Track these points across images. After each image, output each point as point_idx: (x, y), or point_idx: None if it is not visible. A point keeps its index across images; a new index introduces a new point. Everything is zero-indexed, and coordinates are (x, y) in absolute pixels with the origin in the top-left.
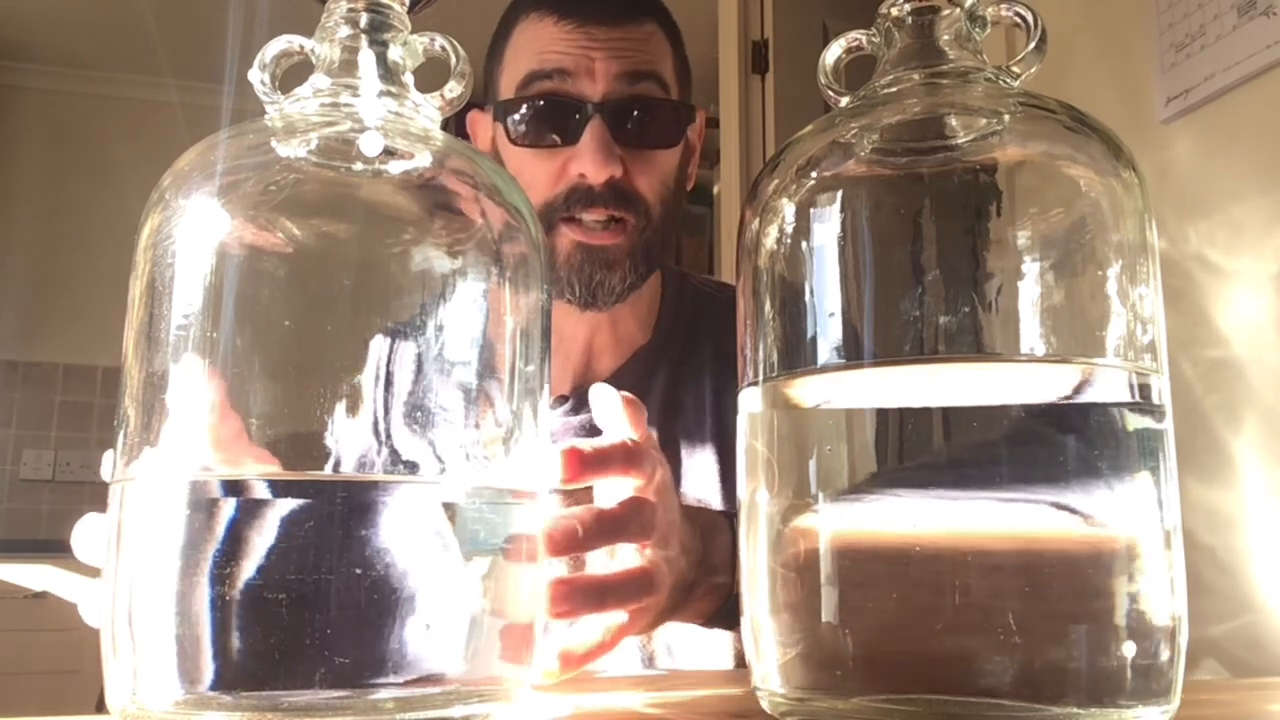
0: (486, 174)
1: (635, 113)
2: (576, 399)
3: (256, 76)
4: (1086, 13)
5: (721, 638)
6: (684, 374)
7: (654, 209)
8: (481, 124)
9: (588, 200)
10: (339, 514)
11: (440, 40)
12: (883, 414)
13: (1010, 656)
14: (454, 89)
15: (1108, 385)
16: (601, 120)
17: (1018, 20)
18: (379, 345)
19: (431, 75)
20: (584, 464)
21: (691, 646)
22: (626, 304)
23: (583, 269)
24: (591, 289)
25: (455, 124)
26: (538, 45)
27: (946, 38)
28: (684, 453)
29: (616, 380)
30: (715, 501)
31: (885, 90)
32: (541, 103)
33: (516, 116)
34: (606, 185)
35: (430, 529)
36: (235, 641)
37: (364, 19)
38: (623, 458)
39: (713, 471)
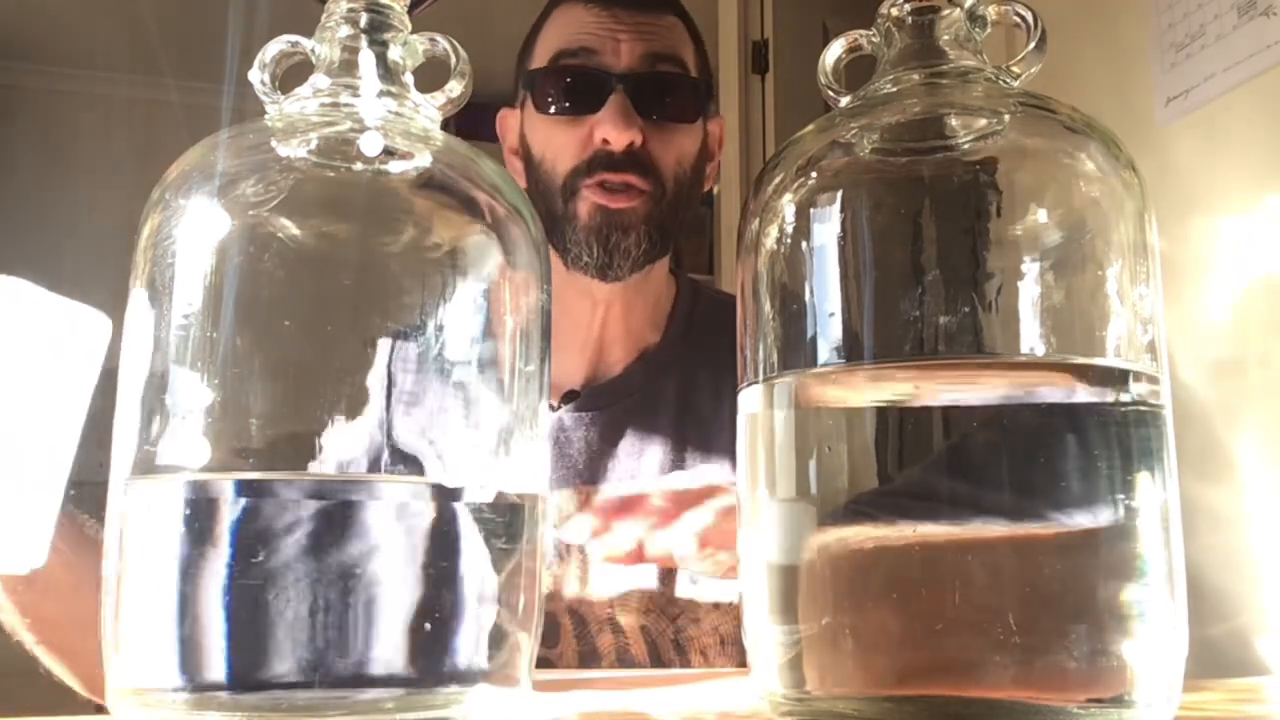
0: (487, 174)
1: (655, 87)
2: (586, 395)
3: (256, 76)
4: (1086, 13)
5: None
6: (698, 378)
7: (668, 183)
8: (510, 120)
9: (609, 165)
10: (339, 513)
11: (440, 40)
12: (883, 414)
13: (1010, 656)
14: (454, 89)
15: (1107, 385)
16: (624, 91)
17: (1018, 20)
18: (379, 345)
19: (432, 75)
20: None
21: (701, 649)
22: (639, 290)
23: (601, 230)
24: (609, 250)
25: (467, 124)
26: (567, 28)
27: (946, 38)
28: (697, 457)
29: (626, 379)
30: None
31: (885, 90)
32: (569, 73)
33: (545, 85)
34: (627, 151)
35: (430, 529)
36: (235, 641)
37: (364, 19)
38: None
39: (727, 477)
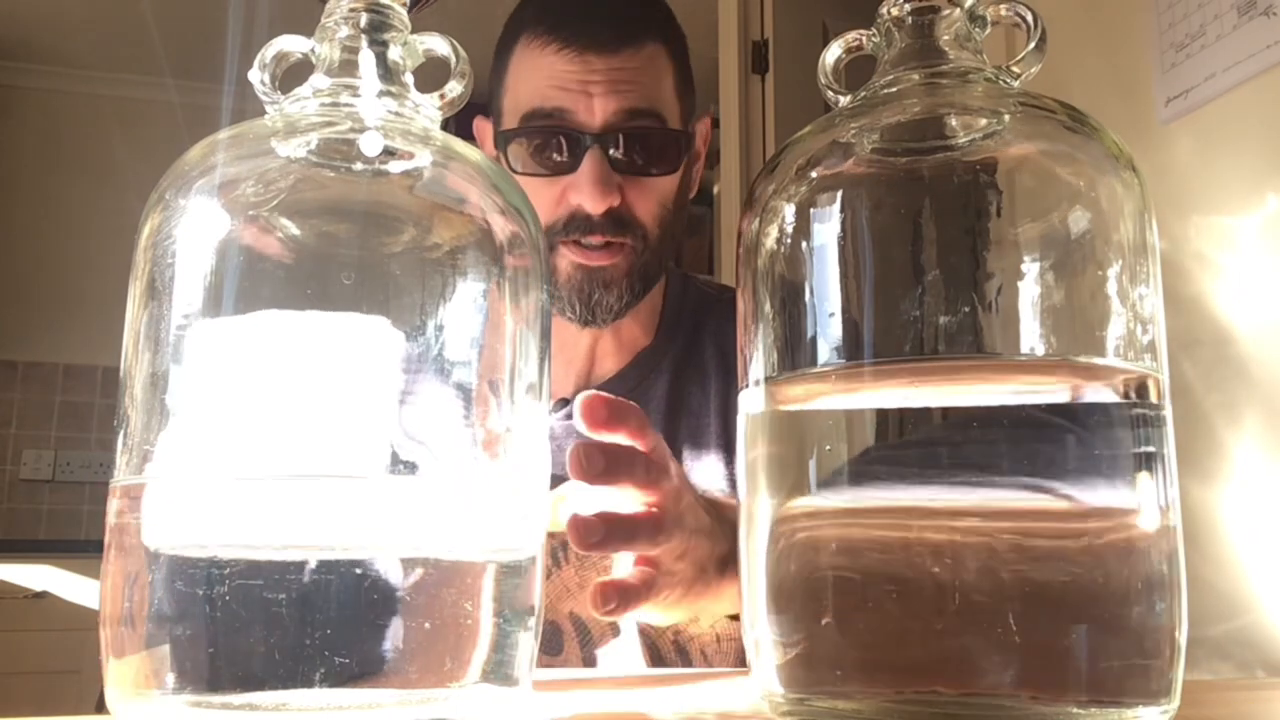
0: (487, 174)
1: (633, 142)
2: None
3: (256, 76)
4: (1086, 13)
5: (732, 642)
6: (687, 374)
7: (651, 233)
8: (488, 131)
9: (586, 228)
10: (339, 513)
11: (440, 40)
12: (883, 414)
13: (1010, 656)
14: (454, 89)
15: (1107, 385)
16: (600, 150)
17: (1018, 20)
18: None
19: (432, 75)
20: (609, 468)
21: (701, 648)
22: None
23: (582, 289)
24: (590, 307)
25: (457, 128)
26: (538, 78)
27: (946, 38)
28: (689, 453)
29: (619, 382)
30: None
31: (885, 90)
32: (541, 135)
33: (516, 148)
34: (605, 215)
35: (429, 529)
36: (235, 641)
37: (364, 19)
38: (644, 468)
39: (719, 471)
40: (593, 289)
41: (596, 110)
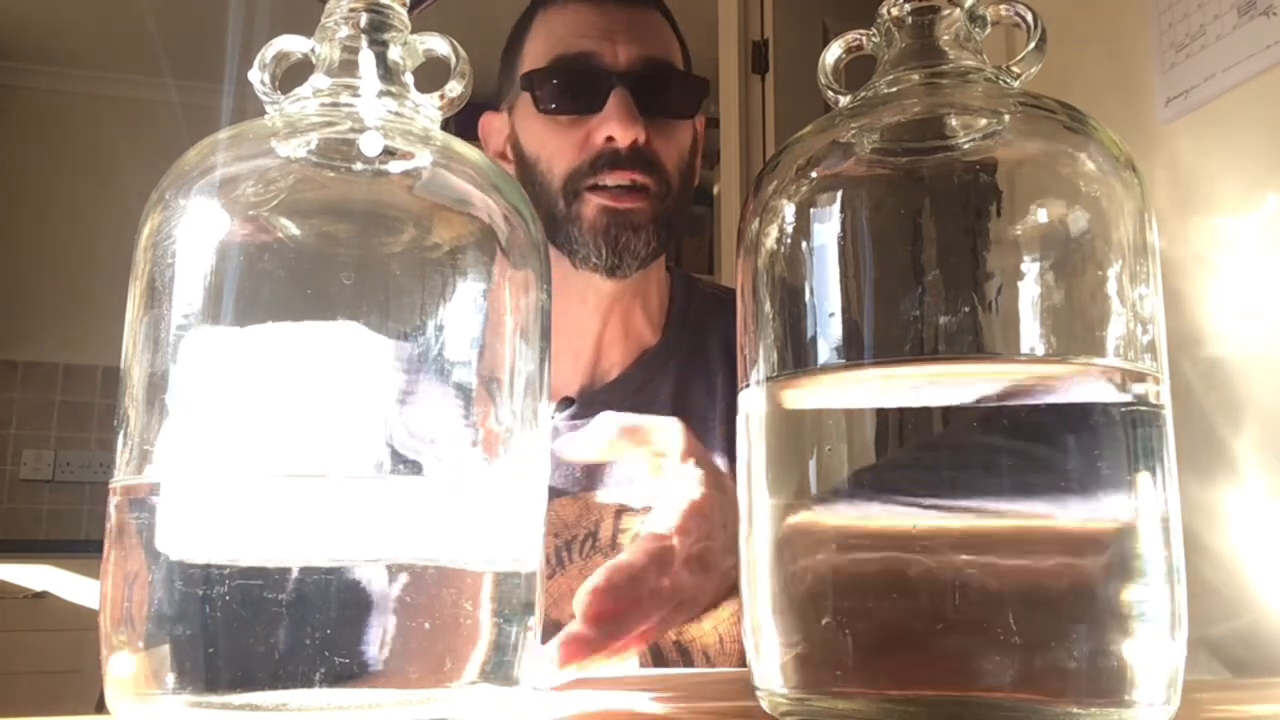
0: (487, 174)
1: (654, 84)
2: (582, 402)
3: (256, 76)
4: (1087, 13)
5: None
6: (693, 375)
7: (672, 179)
8: (496, 124)
9: (613, 163)
10: (340, 514)
11: (440, 40)
12: (883, 414)
13: (1010, 656)
14: (454, 89)
15: (1107, 385)
16: (625, 88)
17: (1018, 20)
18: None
19: (432, 76)
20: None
21: (703, 649)
22: (637, 291)
23: (609, 231)
24: (618, 250)
25: (460, 126)
26: (560, 30)
27: (946, 38)
28: None
29: (625, 381)
30: None
31: (885, 90)
32: (570, 72)
33: (545, 85)
34: (631, 148)
35: (430, 529)
36: (235, 641)
37: (364, 19)
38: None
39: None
40: (619, 230)
41: (620, 54)
